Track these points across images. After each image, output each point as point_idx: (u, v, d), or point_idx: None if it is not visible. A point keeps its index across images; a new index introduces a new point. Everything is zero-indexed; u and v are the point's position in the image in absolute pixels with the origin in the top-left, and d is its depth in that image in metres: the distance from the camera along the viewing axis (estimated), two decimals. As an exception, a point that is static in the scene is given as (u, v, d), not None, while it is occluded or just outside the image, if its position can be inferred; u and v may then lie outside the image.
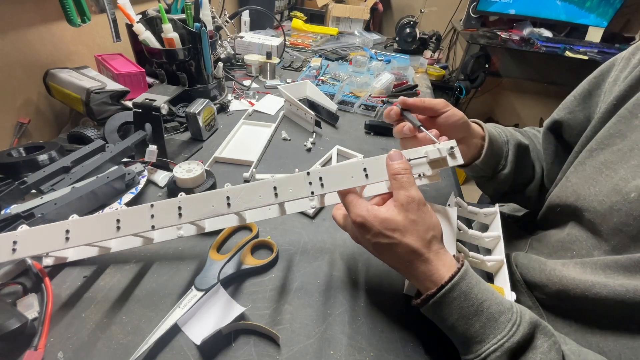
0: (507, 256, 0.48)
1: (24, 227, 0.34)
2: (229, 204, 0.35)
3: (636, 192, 0.34)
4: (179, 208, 0.35)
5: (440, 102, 0.45)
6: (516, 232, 0.56)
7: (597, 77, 0.46)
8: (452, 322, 0.32)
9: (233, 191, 0.36)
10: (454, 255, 0.35)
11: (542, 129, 0.55)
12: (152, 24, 0.73)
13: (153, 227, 0.35)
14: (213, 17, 0.91)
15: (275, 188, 0.36)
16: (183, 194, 0.36)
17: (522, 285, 0.45)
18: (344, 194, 0.37)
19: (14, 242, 0.33)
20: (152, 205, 0.34)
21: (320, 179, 0.36)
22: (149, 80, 0.76)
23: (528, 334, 0.30)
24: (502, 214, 0.52)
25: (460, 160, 0.39)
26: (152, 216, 0.34)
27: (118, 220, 0.34)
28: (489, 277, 0.47)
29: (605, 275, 0.35)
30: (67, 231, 0.34)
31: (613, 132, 0.39)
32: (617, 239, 0.36)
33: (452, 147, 0.38)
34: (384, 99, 0.99)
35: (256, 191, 0.35)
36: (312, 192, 0.36)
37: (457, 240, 0.45)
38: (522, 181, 0.54)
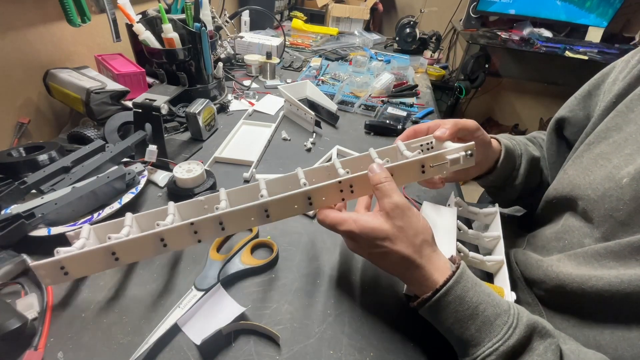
0: (507, 254, 0.48)
1: (61, 251, 0.33)
2: (267, 215, 0.37)
3: (628, 178, 0.35)
4: (220, 223, 0.36)
5: (471, 124, 0.45)
6: (514, 230, 0.56)
7: (598, 79, 0.47)
8: (448, 326, 0.32)
9: (272, 204, 0.36)
10: (452, 256, 0.35)
11: (546, 130, 0.56)
12: (152, 24, 0.73)
13: (199, 241, 0.36)
14: (213, 17, 0.91)
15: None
16: (220, 206, 0.36)
17: (522, 282, 0.46)
18: (327, 214, 0.37)
19: (62, 267, 0.33)
20: (192, 224, 0.34)
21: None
22: (149, 80, 0.76)
23: (524, 337, 0.30)
24: (502, 214, 0.53)
25: (472, 163, 0.39)
26: (196, 232, 0.35)
27: (162, 239, 0.34)
28: (489, 277, 0.47)
29: (599, 265, 0.35)
30: (114, 253, 0.33)
31: (610, 126, 0.40)
32: (606, 224, 0.37)
33: (470, 153, 0.38)
34: (383, 99, 0.99)
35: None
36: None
37: (457, 240, 0.45)
38: (529, 189, 0.54)
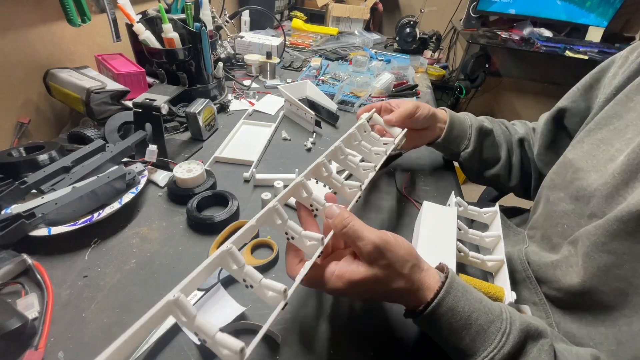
0: (515, 253, 0.49)
1: None
2: None
3: (625, 156, 0.37)
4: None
5: (411, 109, 0.57)
6: (514, 229, 0.57)
7: (598, 73, 0.50)
8: (443, 337, 0.32)
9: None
10: (440, 264, 0.35)
11: (532, 122, 0.66)
12: (152, 23, 0.73)
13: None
14: (213, 17, 0.91)
15: None
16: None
17: (532, 281, 0.46)
18: (307, 280, 0.32)
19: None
20: None
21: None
22: (149, 80, 0.76)
23: (518, 342, 0.29)
24: (502, 214, 0.53)
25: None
26: None
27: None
28: (490, 277, 0.47)
29: (606, 247, 0.36)
30: None
31: (610, 114, 0.43)
32: (593, 200, 0.39)
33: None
34: (384, 98, 0.99)
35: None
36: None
37: (457, 240, 0.45)
38: (488, 160, 0.63)
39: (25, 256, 0.41)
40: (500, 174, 0.63)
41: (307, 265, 0.30)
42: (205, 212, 0.53)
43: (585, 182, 0.41)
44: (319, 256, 0.32)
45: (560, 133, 0.55)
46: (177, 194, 0.54)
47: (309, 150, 0.72)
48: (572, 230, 0.42)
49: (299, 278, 0.29)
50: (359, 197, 0.39)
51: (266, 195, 0.54)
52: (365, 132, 0.53)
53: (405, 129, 0.57)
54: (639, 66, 0.43)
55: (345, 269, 0.31)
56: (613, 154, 0.40)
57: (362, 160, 0.46)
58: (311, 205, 0.35)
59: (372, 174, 0.44)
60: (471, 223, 0.57)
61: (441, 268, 0.34)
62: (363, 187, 0.40)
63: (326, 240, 0.32)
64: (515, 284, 0.48)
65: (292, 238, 0.32)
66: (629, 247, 0.33)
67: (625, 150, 0.38)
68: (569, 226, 0.43)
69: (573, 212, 0.42)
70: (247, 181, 0.61)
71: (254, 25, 1.39)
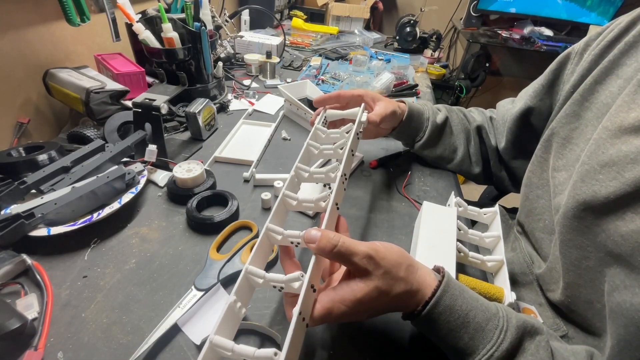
0: (523, 255, 0.51)
1: None
2: None
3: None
4: None
5: (391, 109, 0.57)
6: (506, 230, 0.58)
7: (557, 69, 0.51)
8: (442, 337, 0.32)
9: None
10: (434, 266, 0.35)
11: (488, 109, 0.69)
12: (152, 23, 0.73)
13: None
14: (213, 17, 0.91)
15: None
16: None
17: (537, 284, 0.47)
18: (313, 320, 0.30)
19: None
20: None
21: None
22: (149, 79, 0.76)
23: (516, 338, 0.30)
24: (502, 214, 0.53)
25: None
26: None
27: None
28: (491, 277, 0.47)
29: (573, 243, 0.38)
30: None
31: (569, 113, 0.45)
32: (560, 197, 0.41)
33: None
34: (384, 98, 0.99)
35: None
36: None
37: (457, 240, 0.45)
38: (444, 150, 0.65)
39: (24, 256, 0.41)
40: (462, 163, 0.65)
41: (295, 311, 0.27)
42: (205, 212, 0.53)
43: (557, 180, 0.43)
44: (313, 290, 0.30)
45: (527, 130, 0.57)
46: (177, 194, 0.54)
47: (308, 150, 0.72)
48: (552, 226, 0.43)
49: (291, 327, 0.27)
50: (337, 205, 0.38)
51: (266, 195, 0.54)
52: (323, 135, 0.51)
53: (364, 104, 0.56)
54: (590, 64, 0.44)
55: (344, 291, 0.30)
56: (579, 154, 0.41)
57: (324, 165, 0.44)
58: (292, 242, 0.34)
59: (339, 173, 0.41)
60: (472, 224, 0.57)
61: (437, 269, 0.34)
62: (332, 192, 0.37)
63: (307, 276, 0.29)
64: (521, 286, 0.48)
65: (282, 288, 0.31)
66: (591, 240, 0.36)
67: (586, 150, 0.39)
68: (549, 222, 0.45)
69: (550, 209, 0.44)
70: (247, 181, 0.60)
71: (254, 25, 1.39)
